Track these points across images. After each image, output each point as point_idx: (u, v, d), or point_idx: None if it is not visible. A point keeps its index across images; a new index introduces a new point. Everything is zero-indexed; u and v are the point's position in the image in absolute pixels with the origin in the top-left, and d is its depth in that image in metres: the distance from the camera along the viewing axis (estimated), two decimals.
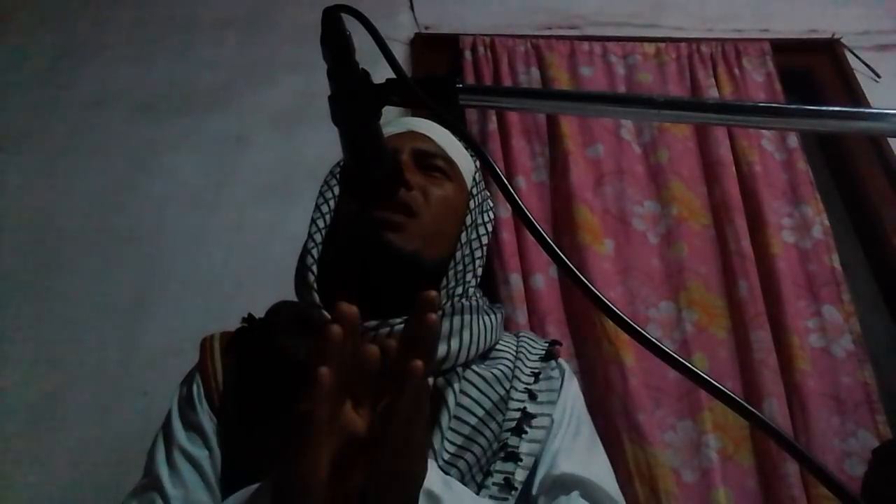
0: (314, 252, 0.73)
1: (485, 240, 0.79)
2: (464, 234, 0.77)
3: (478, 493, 0.65)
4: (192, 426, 0.70)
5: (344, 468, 0.49)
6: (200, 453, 0.68)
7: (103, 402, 1.35)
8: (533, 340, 0.84)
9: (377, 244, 0.69)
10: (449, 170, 0.79)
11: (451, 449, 0.66)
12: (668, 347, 0.40)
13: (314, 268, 0.72)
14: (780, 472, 1.28)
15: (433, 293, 0.51)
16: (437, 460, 0.63)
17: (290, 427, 0.49)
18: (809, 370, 1.38)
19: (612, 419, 1.29)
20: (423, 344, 0.50)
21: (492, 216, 0.83)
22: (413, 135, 0.80)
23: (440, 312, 0.69)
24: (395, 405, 0.49)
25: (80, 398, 1.35)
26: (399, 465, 0.51)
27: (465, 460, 0.66)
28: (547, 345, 0.84)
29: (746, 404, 0.39)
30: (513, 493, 0.68)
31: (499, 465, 0.68)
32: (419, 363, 0.48)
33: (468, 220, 0.78)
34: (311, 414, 0.47)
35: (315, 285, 0.70)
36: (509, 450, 0.69)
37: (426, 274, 0.72)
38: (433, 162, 0.78)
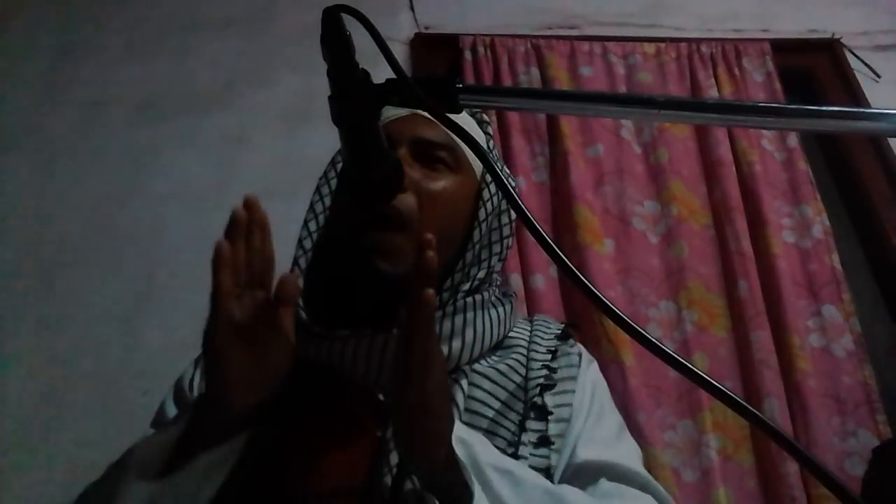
0: (301, 262, 0.72)
1: (506, 230, 0.74)
2: (476, 231, 0.72)
3: None
4: (183, 407, 0.72)
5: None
6: None
7: (103, 402, 1.35)
8: (548, 322, 0.80)
9: (368, 271, 0.67)
10: (452, 160, 0.73)
11: None
12: (668, 347, 0.40)
13: (299, 281, 0.70)
14: (780, 472, 1.28)
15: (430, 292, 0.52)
16: None
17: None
18: (809, 370, 1.38)
19: None
20: (423, 278, 0.52)
21: None
22: (415, 119, 0.74)
23: (440, 313, 0.67)
24: (410, 338, 0.52)
25: (80, 398, 1.35)
26: (426, 404, 0.53)
27: None
28: (563, 325, 0.80)
29: (746, 404, 0.39)
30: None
31: (532, 450, 0.65)
32: (430, 292, 0.50)
33: (481, 215, 0.72)
34: (214, 282, 0.58)
35: (301, 302, 0.69)
36: (539, 434, 0.66)
37: None
38: (435, 152, 0.72)
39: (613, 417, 0.75)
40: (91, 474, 1.32)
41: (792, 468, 1.27)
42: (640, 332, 0.41)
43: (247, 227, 0.58)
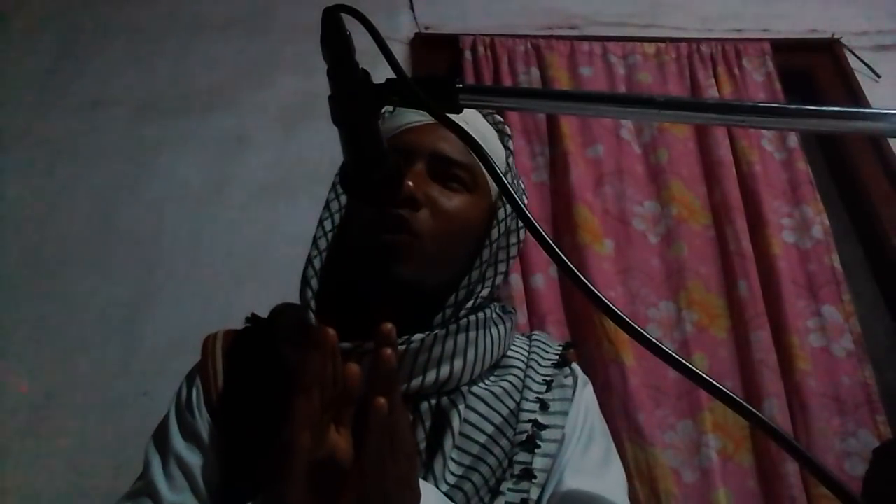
0: (316, 262, 0.71)
1: (513, 251, 0.74)
2: (486, 251, 0.71)
3: None
4: (190, 433, 0.69)
5: (329, 493, 0.51)
6: (195, 461, 0.67)
7: (103, 402, 1.35)
8: (546, 344, 0.79)
9: (379, 272, 0.67)
10: (469, 178, 0.72)
11: (459, 471, 0.63)
12: (668, 347, 0.40)
13: (313, 282, 0.69)
14: (780, 472, 1.28)
15: (388, 326, 0.52)
16: (438, 486, 0.61)
17: (274, 455, 0.50)
18: (809, 370, 1.38)
19: (612, 419, 1.29)
20: (382, 381, 0.51)
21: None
22: (434, 130, 0.72)
23: (444, 330, 0.66)
24: (364, 441, 0.50)
25: (80, 398, 1.35)
26: (382, 497, 0.51)
27: (472, 482, 0.63)
28: (561, 349, 0.79)
29: (746, 404, 0.39)
30: None
31: (512, 485, 0.65)
32: (381, 401, 0.49)
33: (494, 234, 0.72)
34: (292, 443, 0.49)
35: (312, 303, 0.68)
36: (523, 467, 0.66)
37: (430, 294, 0.69)
38: (452, 170, 0.71)
39: (601, 442, 0.74)
40: (91, 474, 1.33)
41: (792, 468, 1.27)
42: (641, 332, 0.40)
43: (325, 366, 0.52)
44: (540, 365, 0.75)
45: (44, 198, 1.61)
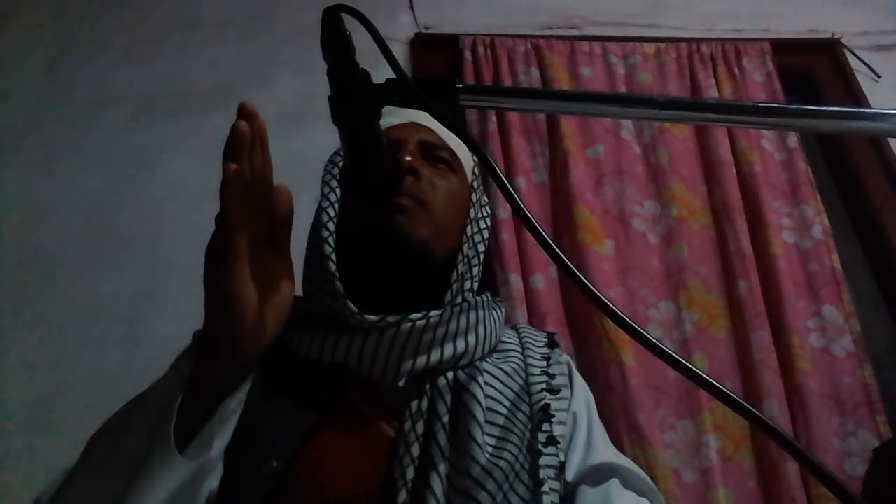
0: (330, 241, 0.71)
1: (486, 234, 0.80)
2: (469, 228, 0.76)
3: (538, 479, 0.65)
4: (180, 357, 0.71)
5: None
6: None
7: (103, 402, 1.34)
8: (533, 331, 0.85)
9: (390, 229, 0.69)
10: (453, 162, 0.78)
11: (492, 442, 0.65)
12: (668, 347, 0.40)
13: (333, 257, 0.70)
14: (780, 472, 1.28)
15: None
16: (483, 454, 0.62)
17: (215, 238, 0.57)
18: (809, 370, 1.38)
19: (612, 419, 1.29)
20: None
21: (489, 211, 0.83)
22: (416, 126, 0.78)
23: (457, 307, 0.70)
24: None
25: (80, 398, 1.35)
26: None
27: (509, 451, 0.65)
28: (546, 334, 0.85)
29: (746, 404, 0.39)
30: (563, 476, 0.69)
31: (544, 449, 0.68)
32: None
33: (472, 214, 0.78)
34: (227, 210, 0.54)
35: (338, 274, 0.68)
36: (547, 434, 0.69)
37: (436, 266, 0.71)
38: (438, 154, 0.77)
39: (598, 419, 0.79)
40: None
41: (792, 468, 1.27)
42: (641, 332, 0.41)
43: (250, 142, 0.51)
44: (535, 346, 0.80)
45: (44, 198, 1.61)
